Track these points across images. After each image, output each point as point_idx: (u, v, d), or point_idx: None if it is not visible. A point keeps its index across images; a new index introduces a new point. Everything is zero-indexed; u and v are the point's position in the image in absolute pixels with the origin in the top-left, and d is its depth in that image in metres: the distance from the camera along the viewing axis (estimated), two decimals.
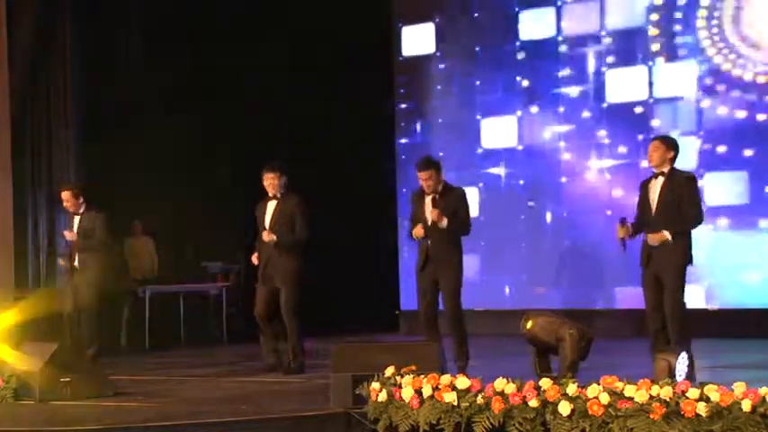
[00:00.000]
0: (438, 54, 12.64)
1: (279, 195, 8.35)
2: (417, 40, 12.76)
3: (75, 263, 9.09)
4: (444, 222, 7.56)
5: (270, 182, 8.33)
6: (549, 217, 11.90)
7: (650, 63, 11.29)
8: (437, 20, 12.65)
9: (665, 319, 7.05)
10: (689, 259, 7.11)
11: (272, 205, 8.35)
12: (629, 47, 11.43)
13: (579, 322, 6.77)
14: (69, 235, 9.12)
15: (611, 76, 11.53)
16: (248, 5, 12.79)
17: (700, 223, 7.18)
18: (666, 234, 7.00)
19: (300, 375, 8.09)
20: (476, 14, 12.38)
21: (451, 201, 7.70)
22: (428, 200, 7.71)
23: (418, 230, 7.64)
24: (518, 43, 12.07)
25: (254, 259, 8.39)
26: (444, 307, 7.69)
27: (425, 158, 8.01)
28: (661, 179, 7.17)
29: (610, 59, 11.55)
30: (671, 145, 7.22)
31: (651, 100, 11.28)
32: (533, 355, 6.73)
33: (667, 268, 7.05)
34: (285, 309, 8.21)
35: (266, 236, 8.20)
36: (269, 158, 8.61)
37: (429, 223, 7.64)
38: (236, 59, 12.71)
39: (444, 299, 7.69)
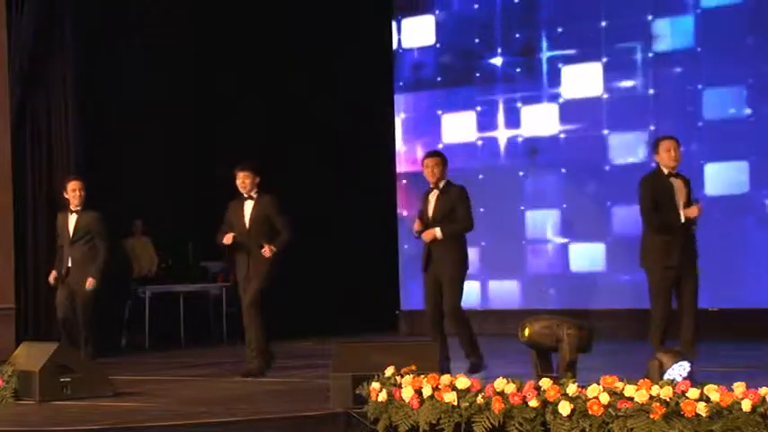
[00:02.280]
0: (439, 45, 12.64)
1: (254, 196, 8.31)
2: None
3: (68, 263, 8.99)
4: (439, 234, 7.61)
5: (242, 181, 8.27)
6: (550, 217, 11.91)
7: None
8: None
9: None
10: None
11: (248, 206, 8.30)
12: None
13: (575, 318, 6.74)
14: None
15: None
16: (249, 3, 12.79)
17: None
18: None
19: (300, 375, 8.10)
20: None
21: (449, 198, 7.71)
22: (432, 197, 7.74)
23: (417, 225, 7.70)
24: None
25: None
26: (443, 304, 7.62)
27: (435, 150, 8.30)
28: (674, 180, 7.23)
29: None
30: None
31: None
32: (534, 357, 6.71)
33: (694, 267, 7.20)
34: (251, 305, 8.17)
35: (267, 251, 8.10)
36: (269, 158, 8.60)
37: (430, 220, 7.71)
38: (237, 58, 12.71)
39: (443, 296, 7.63)
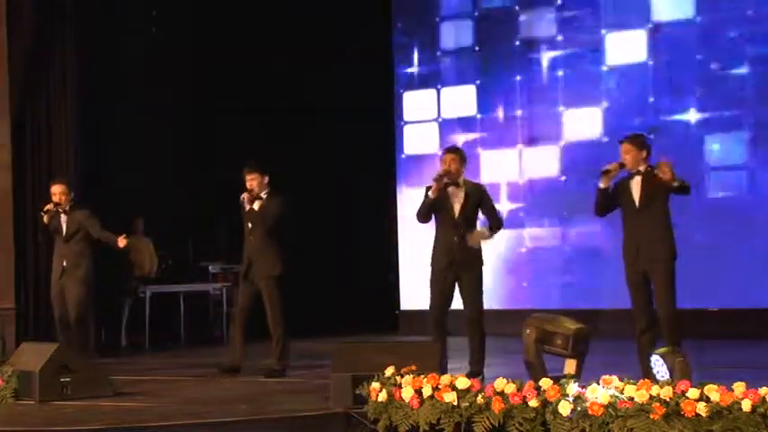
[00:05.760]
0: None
1: (263, 195, 8.27)
2: None
3: (64, 263, 8.94)
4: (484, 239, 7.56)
5: (251, 183, 8.25)
6: (552, 217, 11.92)
7: None
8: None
9: (651, 320, 6.90)
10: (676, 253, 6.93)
11: (257, 206, 8.27)
12: None
13: (570, 318, 6.71)
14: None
15: None
16: (249, 3, 12.79)
17: None
18: None
19: (300, 375, 8.10)
20: None
21: (475, 196, 7.60)
22: (459, 192, 7.58)
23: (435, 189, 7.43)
24: None
25: None
26: (466, 309, 7.53)
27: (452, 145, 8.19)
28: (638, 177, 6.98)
29: None
30: (642, 144, 7.03)
31: None
32: None
33: (656, 263, 6.87)
34: (272, 311, 8.22)
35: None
36: (269, 157, 8.58)
37: (456, 216, 7.52)
38: (237, 58, 12.71)
39: (467, 301, 7.53)
